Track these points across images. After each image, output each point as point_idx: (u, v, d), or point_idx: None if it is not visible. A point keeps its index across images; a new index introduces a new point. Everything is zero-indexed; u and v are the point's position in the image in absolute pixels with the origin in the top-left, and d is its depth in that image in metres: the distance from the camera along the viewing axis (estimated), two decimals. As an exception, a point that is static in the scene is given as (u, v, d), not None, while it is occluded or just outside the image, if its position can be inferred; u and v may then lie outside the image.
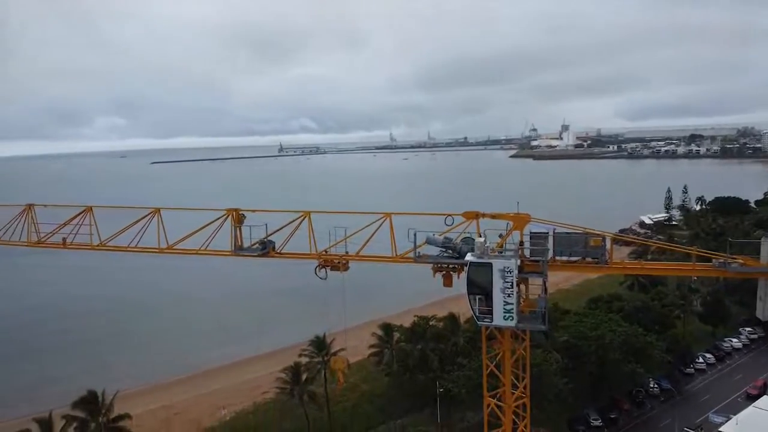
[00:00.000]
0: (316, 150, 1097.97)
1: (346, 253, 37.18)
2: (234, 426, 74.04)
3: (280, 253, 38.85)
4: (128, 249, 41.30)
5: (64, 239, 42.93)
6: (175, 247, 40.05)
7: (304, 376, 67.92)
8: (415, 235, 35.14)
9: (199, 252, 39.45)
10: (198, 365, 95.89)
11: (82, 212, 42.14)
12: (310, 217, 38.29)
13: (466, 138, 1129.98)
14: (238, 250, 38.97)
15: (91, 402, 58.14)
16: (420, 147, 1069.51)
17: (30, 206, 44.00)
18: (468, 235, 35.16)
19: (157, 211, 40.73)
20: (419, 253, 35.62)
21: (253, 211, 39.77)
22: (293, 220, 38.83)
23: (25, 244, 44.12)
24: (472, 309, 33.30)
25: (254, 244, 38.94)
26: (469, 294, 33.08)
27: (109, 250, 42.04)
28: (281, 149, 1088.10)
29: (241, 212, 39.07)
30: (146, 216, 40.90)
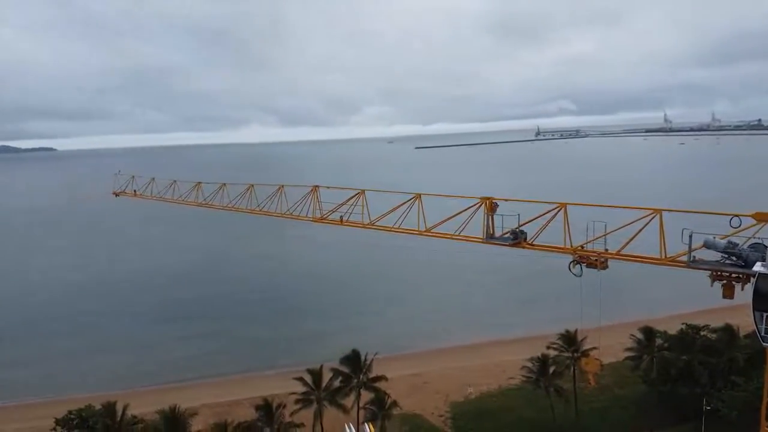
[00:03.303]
0: (575, 133, 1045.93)
1: (606, 250, 34.74)
2: (479, 405, 75.94)
3: (531, 245, 38.14)
4: (392, 229, 45.09)
5: (341, 217, 48.92)
6: (432, 231, 42.40)
7: (551, 369, 66.65)
8: (690, 236, 30.95)
9: (453, 237, 40.96)
10: (447, 341, 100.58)
11: (356, 195, 47.26)
12: (566, 210, 36.70)
13: (760, 120, 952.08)
14: (490, 238, 39.39)
15: (354, 360, 65.54)
16: (701, 130, 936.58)
17: (316, 187, 51.10)
18: (759, 241, 29.88)
19: (418, 196, 43.59)
20: (694, 257, 31.39)
21: (506, 200, 39.70)
22: (548, 211, 37.71)
23: (311, 219, 51.39)
24: (757, 327, 28.26)
25: (506, 233, 38.94)
26: (754, 309, 28.09)
27: (377, 228, 46.45)
28: (538, 133, 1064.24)
29: (494, 201, 39.36)
30: (409, 201, 44.03)
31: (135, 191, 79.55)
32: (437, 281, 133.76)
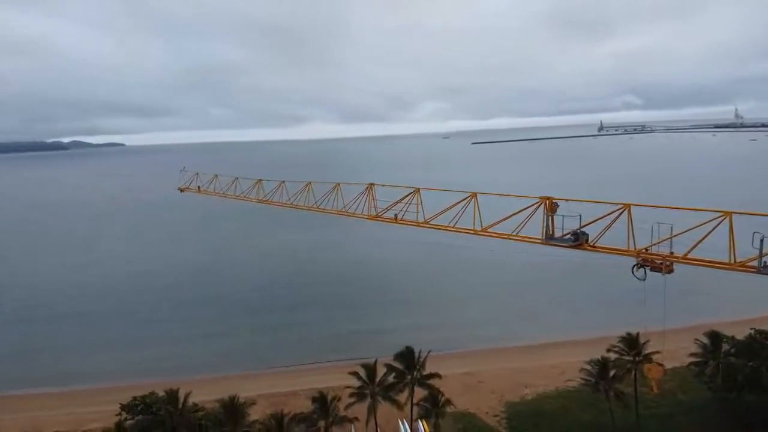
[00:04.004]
0: (641, 128, 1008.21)
1: (671, 253, 33.45)
2: (535, 407, 74.73)
3: (593, 246, 37.12)
4: (447, 228, 44.81)
5: (395, 215, 48.95)
6: (488, 230, 41.85)
7: (611, 373, 64.83)
8: (761, 240, 29.56)
9: (510, 237, 40.32)
10: (502, 341, 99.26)
11: (411, 193, 47.20)
12: (629, 211, 35.53)
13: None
14: (549, 239, 38.58)
15: (408, 357, 65.60)
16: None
17: (371, 185, 51.36)
18: None
19: (474, 195, 43.04)
20: (765, 262, 29.87)
21: (567, 200, 38.76)
22: (611, 212, 36.60)
23: (365, 216, 51.74)
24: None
25: (566, 234, 38.02)
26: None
27: (431, 227, 46.29)
28: (601, 128, 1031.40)
29: (554, 201, 38.52)
30: (464, 199, 43.56)
31: (199, 187, 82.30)
32: (492, 280, 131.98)
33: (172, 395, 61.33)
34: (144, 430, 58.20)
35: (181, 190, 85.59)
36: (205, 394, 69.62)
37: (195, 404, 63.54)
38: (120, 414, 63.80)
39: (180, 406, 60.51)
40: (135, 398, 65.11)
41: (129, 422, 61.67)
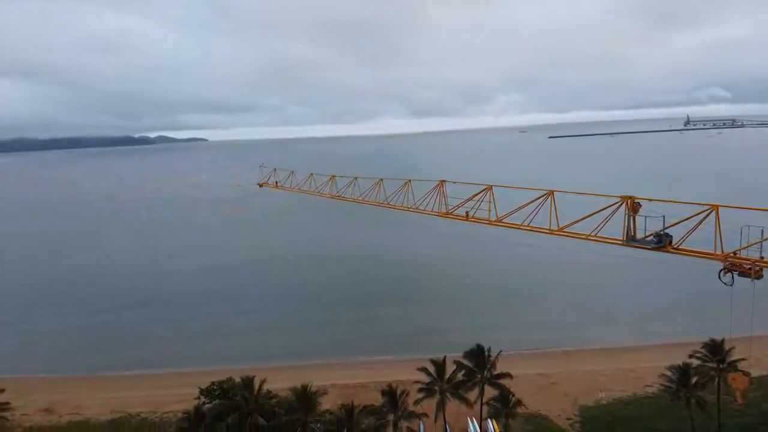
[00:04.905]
0: (730, 123, 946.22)
1: (761, 258, 31.49)
2: (610, 412, 72.43)
3: (677, 249, 35.43)
4: (521, 227, 43.91)
5: (467, 213, 48.52)
6: (565, 230, 40.74)
7: (693, 380, 61.74)
8: None
9: (589, 238, 39.11)
10: (578, 343, 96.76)
11: (483, 190, 46.58)
12: (717, 212, 33.71)
13: None
14: (631, 240, 37.11)
15: (478, 355, 65.04)
16: None
17: (442, 182, 51.15)
18: None
19: (551, 193, 41.92)
20: None
21: (650, 199, 37.13)
22: (697, 213, 34.82)
23: (435, 213, 51.64)
24: None
25: (649, 235, 36.44)
26: None
27: (504, 226, 45.49)
28: (687, 122, 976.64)
29: (636, 200, 37.01)
30: (540, 197, 42.48)
31: (276, 183, 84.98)
32: (567, 281, 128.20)
33: (247, 382, 63.77)
34: (220, 414, 60.76)
35: (260, 185, 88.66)
36: (278, 382, 71.86)
37: (269, 391, 65.77)
38: (198, 398, 67.20)
39: (255, 392, 62.83)
40: (213, 383, 68.42)
41: (207, 406, 64.75)
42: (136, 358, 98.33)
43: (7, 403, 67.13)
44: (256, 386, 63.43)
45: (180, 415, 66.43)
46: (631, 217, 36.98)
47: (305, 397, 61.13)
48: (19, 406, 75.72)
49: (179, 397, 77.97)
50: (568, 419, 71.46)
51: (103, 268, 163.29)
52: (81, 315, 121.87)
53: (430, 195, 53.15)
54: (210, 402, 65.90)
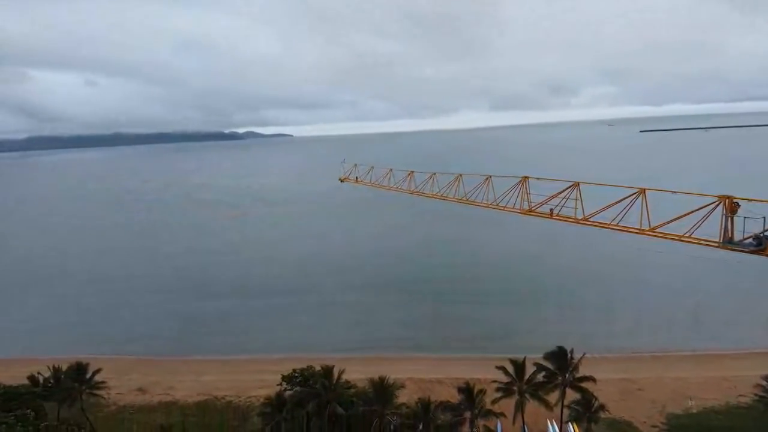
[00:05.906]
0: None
1: None
2: (700, 421, 68.79)
3: (779, 253, 32.92)
4: (609, 226, 42.01)
5: (551, 210, 46.95)
6: (657, 230, 38.72)
7: (793, 392, 57.45)
8: None
9: (682, 239, 36.98)
10: (666, 347, 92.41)
11: (570, 187, 44.88)
12: (828, 214, 30.98)
13: None
14: (728, 242, 34.75)
15: (560, 357, 63.37)
16: None
17: (525, 178, 49.83)
18: None
19: (642, 192, 39.93)
20: None
21: (749, 200, 34.57)
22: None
23: (518, 211, 50.33)
24: None
25: (748, 238, 34.02)
26: None
27: (591, 225, 43.67)
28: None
29: (735, 200, 34.58)
30: (630, 195, 40.49)
31: (357, 178, 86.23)
32: (656, 282, 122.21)
33: (327, 371, 65.61)
34: (301, 400, 62.93)
35: (341, 180, 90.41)
36: (356, 373, 73.38)
37: (347, 381, 67.36)
38: (281, 384, 69.77)
39: (334, 381, 64.52)
40: (294, 371, 70.93)
41: (288, 392, 67.19)
42: (223, 344, 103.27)
43: (104, 382, 72.32)
44: (336, 375, 65.13)
45: (263, 400, 69.21)
46: (729, 218, 34.61)
47: (382, 389, 62.03)
48: (115, 385, 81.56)
49: (262, 382, 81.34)
50: (653, 426, 68.48)
51: (198, 257, 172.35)
52: (181, 301, 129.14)
53: (512, 191, 51.82)
54: (291, 389, 68.32)
